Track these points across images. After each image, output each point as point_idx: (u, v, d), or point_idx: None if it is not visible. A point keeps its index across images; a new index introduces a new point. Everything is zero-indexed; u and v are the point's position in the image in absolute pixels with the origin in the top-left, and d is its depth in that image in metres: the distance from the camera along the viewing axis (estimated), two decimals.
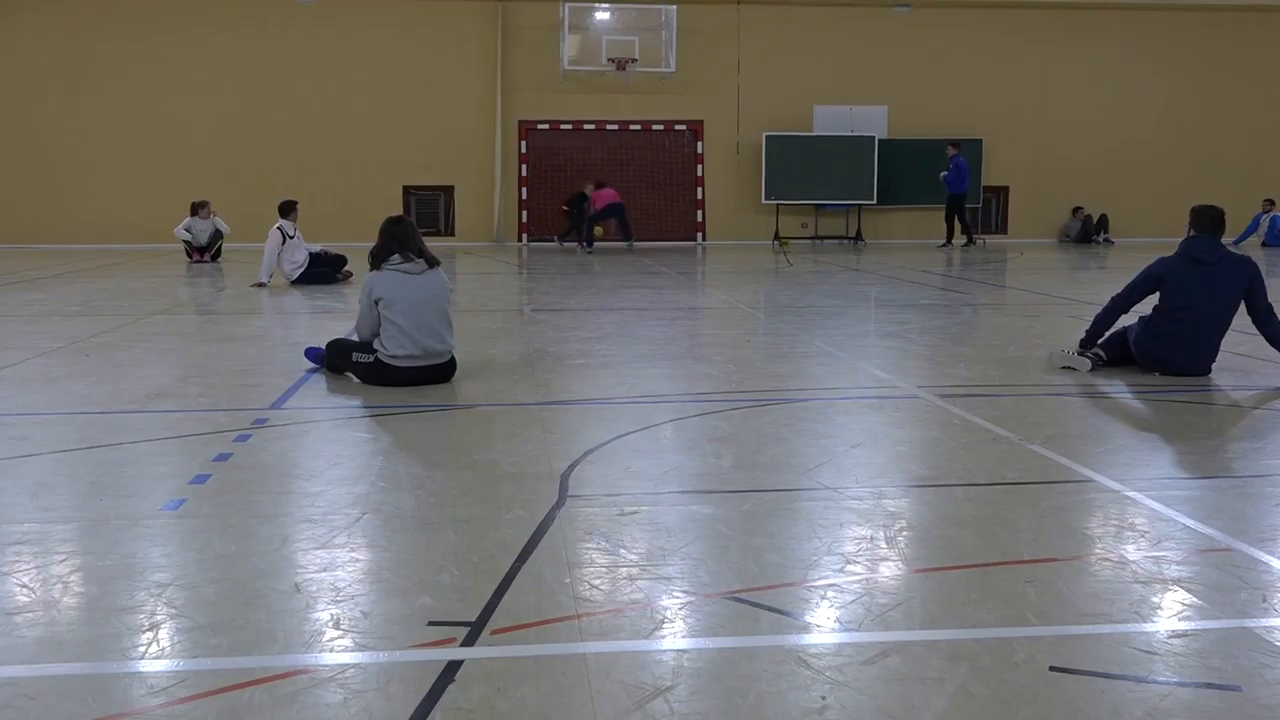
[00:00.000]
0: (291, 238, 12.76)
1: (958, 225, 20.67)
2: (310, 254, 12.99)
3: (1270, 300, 6.67)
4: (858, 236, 22.70)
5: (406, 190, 22.10)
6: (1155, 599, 3.11)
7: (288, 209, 12.93)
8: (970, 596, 3.11)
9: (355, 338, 6.60)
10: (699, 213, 22.75)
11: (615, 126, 22.33)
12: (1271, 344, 6.72)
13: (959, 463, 4.67)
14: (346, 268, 13.26)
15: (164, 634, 2.86)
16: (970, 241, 21.06)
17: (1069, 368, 6.84)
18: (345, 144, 21.64)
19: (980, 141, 22.44)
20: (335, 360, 6.57)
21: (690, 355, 7.77)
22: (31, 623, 2.94)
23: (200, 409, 5.76)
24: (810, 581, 3.25)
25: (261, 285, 12.59)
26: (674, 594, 3.14)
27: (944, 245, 20.87)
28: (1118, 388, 6.39)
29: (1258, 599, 3.11)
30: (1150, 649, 2.79)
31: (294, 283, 12.76)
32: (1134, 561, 3.40)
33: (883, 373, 6.88)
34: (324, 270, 13.05)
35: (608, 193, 20.57)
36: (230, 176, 20.95)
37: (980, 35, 22.79)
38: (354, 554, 3.48)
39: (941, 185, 20.57)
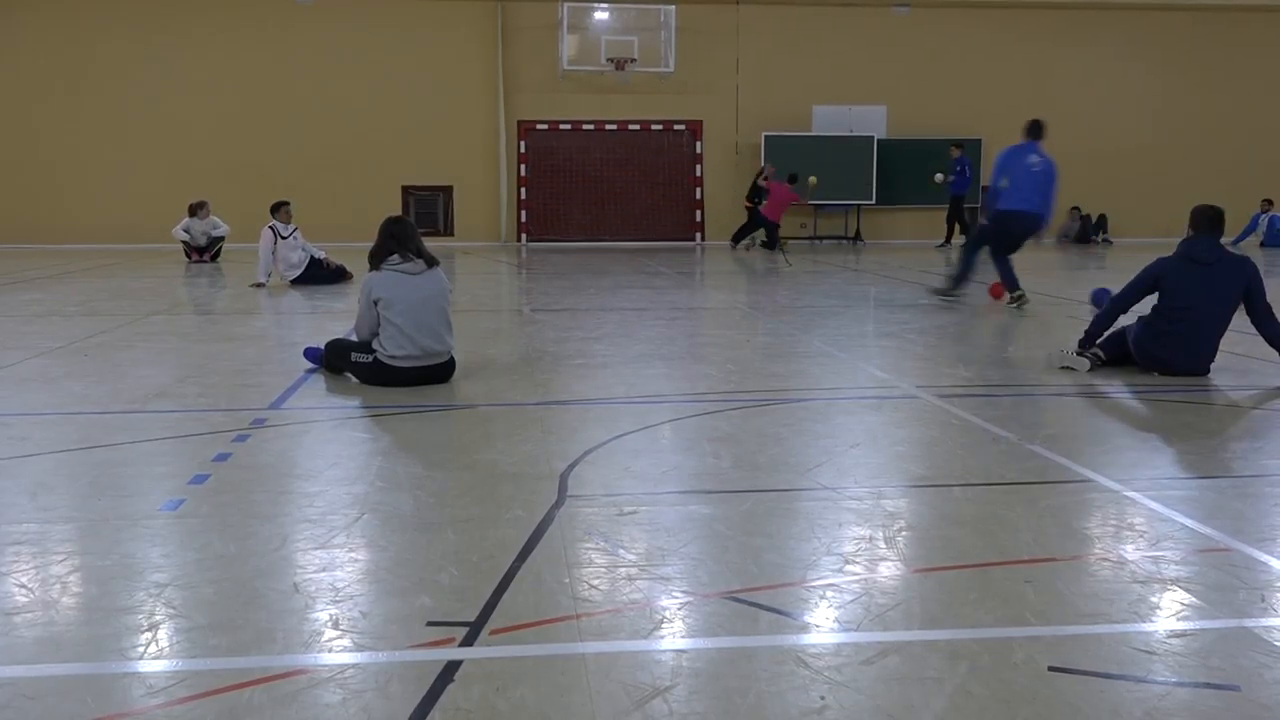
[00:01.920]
0: (285, 238, 12.75)
1: (958, 225, 20.70)
2: (312, 258, 12.97)
3: (1269, 300, 6.68)
4: (857, 236, 22.71)
5: (406, 190, 22.10)
6: (1154, 599, 3.11)
7: (277, 209, 12.94)
8: (969, 596, 3.11)
9: (354, 338, 6.60)
10: (698, 213, 22.74)
11: (614, 126, 22.33)
12: (1270, 344, 6.72)
13: (958, 463, 4.67)
14: (347, 270, 13.26)
15: (163, 634, 2.86)
16: None
17: (1068, 368, 6.84)
18: (345, 144, 21.64)
19: (979, 141, 22.44)
20: (334, 360, 6.57)
21: (689, 355, 7.77)
22: (31, 623, 2.94)
23: (199, 409, 5.76)
24: (809, 581, 3.25)
25: (260, 285, 12.58)
26: (673, 594, 3.14)
27: (943, 245, 20.89)
28: (1117, 388, 6.39)
29: (1257, 599, 3.12)
30: (1149, 649, 2.79)
31: (293, 282, 12.75)
32: (1133, 561, 3.40)
33: (882, 373, 6.88)
34: (323, 273, 13.03)
35: (785, 194, 19.77)
36: (230, 176, 20.95)
37: (979, 36, 22.79)
38: (353, 554, 3.48)
39: (940, 186, 20.55)
